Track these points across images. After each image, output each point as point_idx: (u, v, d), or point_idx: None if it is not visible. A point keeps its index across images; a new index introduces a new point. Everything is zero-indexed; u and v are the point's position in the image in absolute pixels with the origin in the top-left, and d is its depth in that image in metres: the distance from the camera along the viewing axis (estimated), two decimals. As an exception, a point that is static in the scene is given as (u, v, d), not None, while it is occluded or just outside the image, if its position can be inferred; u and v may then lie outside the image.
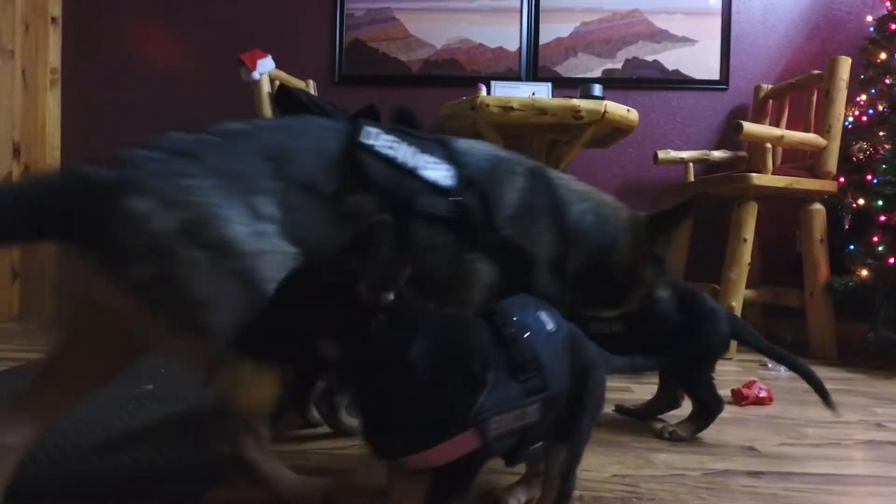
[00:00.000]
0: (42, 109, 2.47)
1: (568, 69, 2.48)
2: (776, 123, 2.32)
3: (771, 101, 2.37)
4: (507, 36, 2.47)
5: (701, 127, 2.52)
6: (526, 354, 0.64)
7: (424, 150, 0.78)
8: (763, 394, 1.38)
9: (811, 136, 2.02)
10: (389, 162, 0.73)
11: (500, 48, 2.47)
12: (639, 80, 2.48)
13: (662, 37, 2.47)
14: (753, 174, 1.92)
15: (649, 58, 2.47)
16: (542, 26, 2.47)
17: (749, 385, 1.40)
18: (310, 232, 0.67)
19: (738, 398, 1.38)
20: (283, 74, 2.22)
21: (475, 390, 0.59)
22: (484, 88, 2.29)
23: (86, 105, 2.61)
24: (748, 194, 1.98)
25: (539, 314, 0.70)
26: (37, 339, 1.95)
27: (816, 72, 2.14)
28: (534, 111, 1.82)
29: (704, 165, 2.44)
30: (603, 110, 1.83)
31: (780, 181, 1.95)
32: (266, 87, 2.09)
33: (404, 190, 0.73)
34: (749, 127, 1.89)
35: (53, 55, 2.53)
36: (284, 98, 2.12)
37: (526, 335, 0.66)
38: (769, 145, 1.96)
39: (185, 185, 0.59)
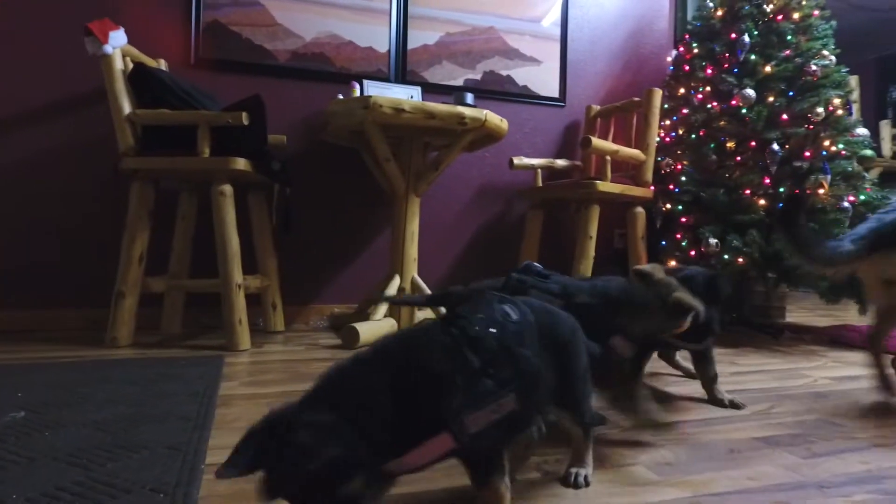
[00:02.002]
0: None
1: (434, 76, 2.61)
2: (604, 139, 2.75)
3: (599, 119, 2.81)
4: (378, 37, 2.52)
5: (544, 138, 2.86)
6: (491, 349, 0.68)
7: None
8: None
9: (636, 152, 2.45)
10: None
11: (371, 48, 2.51)
12: (495, 92, 2.72)
13: (515, 55, 2.75)
14: (598, 181, 2.26)
15: (504, 72, 2.73)
16: (410, 32, 2.57)
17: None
18: None
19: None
20: (135, 51, 1.97)
21: (443, 395, 0.63)
22: (357, 87, 2.31)
23: None
24: (593, 198, 2.33)
25: (502, 308, 0.75)
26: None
27: (637, 98, 2.60)
28: (423, 115, 1.91)
29: (547, 172, 2.79)
30: (484, 118, 2.00)
31: (616, 188, 2.33)
32: (119, 64, 1.84)
33: None
34: (596, 142, 2.22)
35: None
36: (141, 78, 1.89)
37: (491, 331, 0.69)
38: (608, 157, 2.34)
39: None
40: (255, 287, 2.08)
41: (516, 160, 2.61)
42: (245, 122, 1.79)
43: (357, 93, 2.29)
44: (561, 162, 2.76)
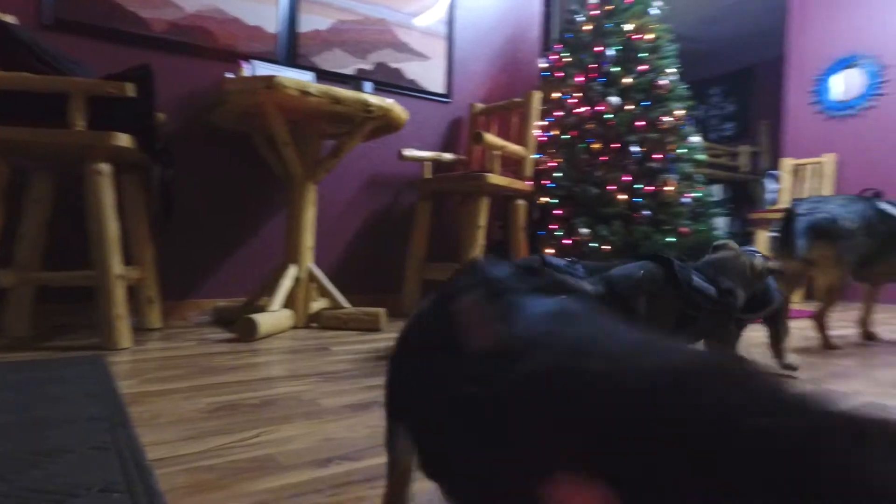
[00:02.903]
0: None
1: (325, 62, 2.56)
2: (486, 135, 2.91)
3: (482, 116, 2.96)
4: (266, 16, 2.39)
5: (430, 132, 2.95)
6: None
7: None
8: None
9: (520, 148, 2.64)
10: None
11: (259, 28, 2.38)
12: (385, 84, 2.74)
13: (405, 49, 2.79)
14: (489, 174, 2.40)
15: (393, 65, 2.76)
16: (302, 15, 2.48)
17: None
18: None
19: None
20: (-21, 1, 1.66)
21: None
22: (247, 67, 2.19)
23: None
24: (483, 190, 2.47)
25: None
26: None
27: (517, 99, 2.79)
28: (330, 99, 1.88)
29: (434, 164, 2.87)
30: (389, 107, 2.01)
31: (504, 181, 2.49)
32: (-39, 15, 1.54)
33: None
34: (487, 137, 2.36)
35: None
36: (-6, 34, 1.60)
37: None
38: (497, 152, 2.49)
39: None
40: (132, 279, 1.88)
41: (406, 152, 2.66)
42: (131, 93, 1.60)
43: (245, 73, 2.17)
44: (447, 155, 2.86)
